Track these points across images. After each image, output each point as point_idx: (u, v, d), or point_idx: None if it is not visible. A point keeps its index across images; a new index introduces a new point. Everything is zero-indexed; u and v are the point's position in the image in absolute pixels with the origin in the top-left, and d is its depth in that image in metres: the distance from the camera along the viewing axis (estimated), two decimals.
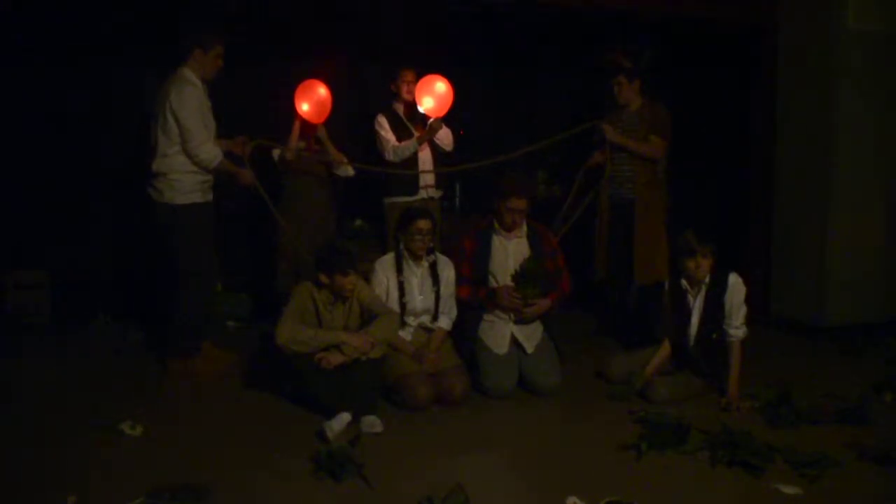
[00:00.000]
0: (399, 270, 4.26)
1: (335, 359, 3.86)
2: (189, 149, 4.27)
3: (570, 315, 5.43)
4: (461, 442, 3.67)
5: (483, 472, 3.35)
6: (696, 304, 4.20)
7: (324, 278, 3.97)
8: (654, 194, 4.99)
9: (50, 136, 5.56)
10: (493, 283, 4.33)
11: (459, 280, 4.35)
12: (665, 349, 4.30)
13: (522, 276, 4.20)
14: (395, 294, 4.24)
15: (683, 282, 4.22)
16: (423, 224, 4.18)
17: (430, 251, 4.30)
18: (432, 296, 4.28)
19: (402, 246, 4.27)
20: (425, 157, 5.20)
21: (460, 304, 4.36)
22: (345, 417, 3.69)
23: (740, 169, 5.88)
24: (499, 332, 4.32)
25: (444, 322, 4.33)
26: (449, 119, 5.18)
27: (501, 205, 4.29)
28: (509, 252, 4.33)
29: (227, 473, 3.25)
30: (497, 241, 4.36)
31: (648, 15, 5.35)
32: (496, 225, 4.37)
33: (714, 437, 3.48)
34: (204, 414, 3.99)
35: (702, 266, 4.12)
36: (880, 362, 4.80)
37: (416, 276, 4.28)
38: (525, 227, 4.40)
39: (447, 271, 4.33)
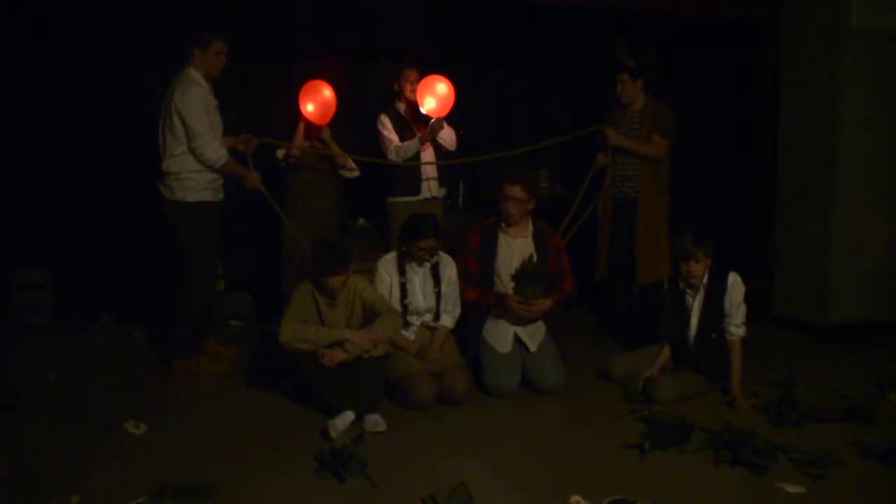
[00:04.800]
0: (401, 272, 4.27)
1: (337, 356, 3.86)
2: (194, 148, 4.28)
3: (572, 314, 5.42)
4: (464, 441, 3.67)
5: (486, 471, 3.35)
6: (695, 305, 4.20)
7: (317, 276, 3.97)
8: (656, 193, 4.98)
9: (53, 136, 5.57)
10: (497, 282, 4.33)
11: (467, 278, 4.34)
12: (665, 354, 4.30)
13: (522, 277, 4.20)
14: (397, 294, 4.25)
15: (681, 283, 4.23)
16: (427, 243, 4.18)
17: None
18: (434, 295, 4.29)
19: (404, 249, 4.27)
20: (427, 157, 5.19)
21: (468, 305, 4.36)
22: (348, 416, 3.69)
23: (743, 166, 5.86)
24: (502, 331, 4.32)
25: (448, 321, 4.33)
26: (451, 118, 5.17)
27: (499, 196, 4.28)
28: (514, 251, 4.33)
29: (231, 472, 3.25)
30: (503, 240, 4.36)
31: (650, 12, 5.34)
32: (502, 224, 4.37)
33: (717, 436, 3.48)
34: (207, 413, 4.00)
35: (694, 270, 4.13)
36: (884, 360, 4.79)
37: (419, 276, 4.28)
38: (530, 227, 4.39)
39: (449, 270, 4.33)
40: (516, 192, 4.27)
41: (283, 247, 5.16)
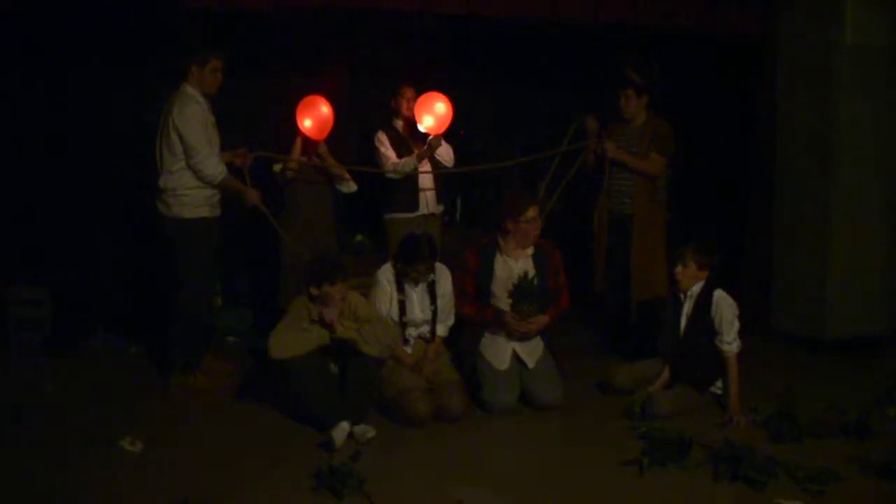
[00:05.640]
0: (400, 289, 4.28)
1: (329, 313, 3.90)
2: (193, 164, 4.29)
3: (570, 329, 5.41)
4: (463, 457, 3.66)
5: (484, 489, 3.33)
6: (685, 312, 4.27)
7: (314, 290, 3.97)
8: (653, 210, 4.98)
9: (50, 151, 5.56)
10: (493, 302, 4.31)
11: (463, 296, 4.34)
12: (665, 375, 4.31)
13: (518, 293, 4.19)
14: (395, 311, 4.27)
15: (677, 290, 4.30)
16: (422, 267, 4.22)
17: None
18: (431, 311, 4.32)
19: (400, 267, 4.29)
20: (425, 174, 5.20)
21: (464, 319, 4.37)
22: (344, 427, 3.71)
23: (740, 182, 5.87)
24: (500, 348, 4.31)
25: (441, 330, 4.39)
26: (449, 135, 5.19)
27: (519, 220, 4.22)
28: (514, 271, 4.29)
29: (228, 489, 3.24)
30: (500, 261, 4.33)
31: (648, 28, 5.36)
32: (500, 243, 4.34)
33: (716, 452, 3.48)
34: (204, 430, 3.98)
35: (678, 274, 4.21)
36: (883, 375, 4.77)
37: (416, 292, 4.30)
38: (531, 247, 4.36)
39: (444, 281, 4.36)
40: (537, 212, 4.24)
41: (282, 256, 5.14)
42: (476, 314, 4.32)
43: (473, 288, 4.34)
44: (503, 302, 4.27)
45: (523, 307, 4.19)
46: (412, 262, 4.20)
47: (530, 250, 4.36)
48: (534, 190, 4.57)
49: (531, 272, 4.27)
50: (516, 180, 6.03)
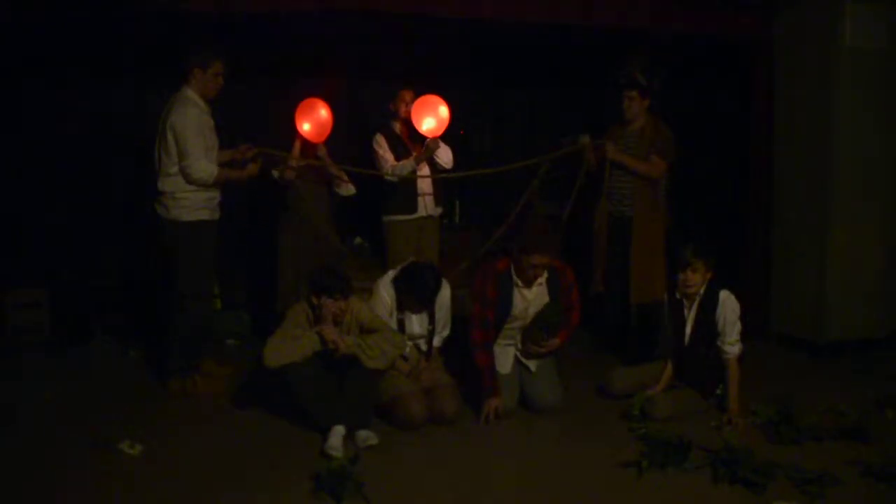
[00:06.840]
0: (399, 308, 4.29)
1: (328, 331, 3.90)
2: (184, 167, 4.28)
3: None
4: (461, 461, 3.66)
5: (483, 492, 3.33)
6: (690, 316, 4.24)
7: (314, 299, 3.97)
8: (652, 212, 4.97)
9: (49, 155, 5.57)
10: (507, 328, 4.26)
11: (484, 326, 4.18)
12: (667, 374, 4.31)
13: (539, 320, 4.18)
14: (394, 326, 4.25)
15: (678, 293, 4.27)
16: (422, 301, 4.25)
17: None
18: (429, 331, 4.34)
19: (401, 287, 4.28)
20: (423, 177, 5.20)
21: (469, 342, 4.26)
22: (339, 431, 3.71)
23: (739, 185, 5.88)
24: (503, 352, 4.30)
25: (437, 341, 4.40)
26: (447, 137, 5.19)
27: (524, 260, 4.13)
28: (529, 301, 4.23)
29: (227, 492, 3.24)
30: (517, 293, 4.23)
31: (644, 31, 5.37)
32: (515, 278, 4.22)
33: (715, 454, 3.48)
34: (203, 433, 3.98)
35: (688, 280, 4.17)
36: (882, 378, 4.79)
37: (416, 313, 4.31)
38: (545, 272, 4.26)
39: (444, 296, 4.35)
40: (546, 260, 4.12)
41: (281, 256, 5.14)
42: (480, 341, 4.18)
43: (494, 318, 4.22)
44: (516, 326, 4.25)
45: (535, 334, 4.19)
46: (411, 294, 4.22)
47: (544, 276, 4.25)
48: (553, 237, 4.45)
49: (545, 299, 4.22)
50: (515, 182, 6.04)
